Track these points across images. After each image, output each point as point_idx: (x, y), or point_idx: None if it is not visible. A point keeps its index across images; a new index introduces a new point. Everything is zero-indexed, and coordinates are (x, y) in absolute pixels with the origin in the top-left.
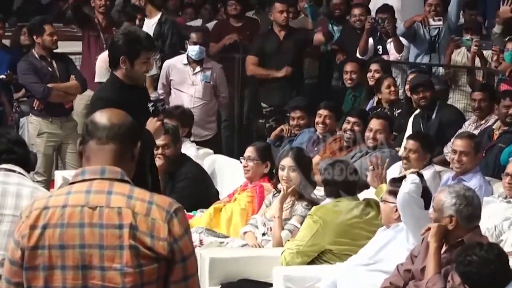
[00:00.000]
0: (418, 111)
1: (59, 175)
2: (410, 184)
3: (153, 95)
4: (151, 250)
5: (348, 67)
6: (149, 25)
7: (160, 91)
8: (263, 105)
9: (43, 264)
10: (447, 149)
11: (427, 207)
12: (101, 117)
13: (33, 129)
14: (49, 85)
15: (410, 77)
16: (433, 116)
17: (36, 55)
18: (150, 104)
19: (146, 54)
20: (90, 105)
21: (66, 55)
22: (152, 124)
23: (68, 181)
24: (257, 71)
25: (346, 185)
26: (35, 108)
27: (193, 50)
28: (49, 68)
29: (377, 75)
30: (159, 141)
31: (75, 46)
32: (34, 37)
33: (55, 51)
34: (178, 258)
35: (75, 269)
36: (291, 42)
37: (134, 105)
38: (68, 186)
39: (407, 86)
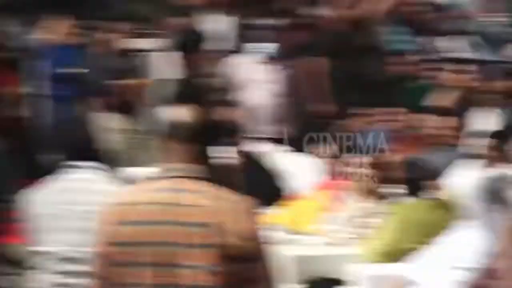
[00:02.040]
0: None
1: (134, 172)
2: (479, 179)
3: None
4: (235, 250)
5: (403, 59)
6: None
7: None
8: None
9: (131, 261)
10: None
11: None
12: (179, 115)
13: (109, 124)
14: (124, 81)
15: None
16: None
17: (111, 52)
18: (226, 95)
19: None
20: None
21: (145, 52)
22: (230, 115)
23: (144, 178)
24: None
25: (426, 184)
26: (110, 104)
27: (265, 48)
28: (122, 65)
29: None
30: None
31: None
32: (104, 34)
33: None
34: (257, 256)
35: (163, 266)
36: (358, 37)
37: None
38: (152, 183)
39: None
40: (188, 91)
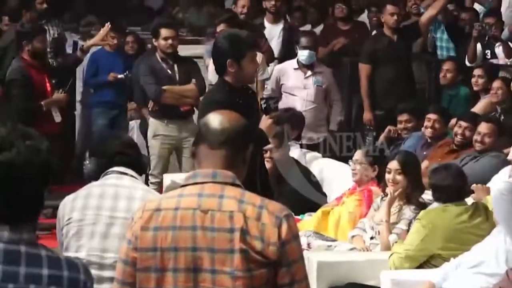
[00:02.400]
0: None
1: (167, 178)
2: (502, 182)
3: (265, 93)
4: (261, 255)
5: (445, 65)
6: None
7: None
8: (377, 112)
9: (155, 266)
10: None
11: None
12: (214, 120)
13: (149, 131)
14: (164, 87)
15: None
16: None
17: (158, 57)
18: (262, 102)
19: (251, 52)
20: (201, 108)
21: (191, 59)
22: (264, 122)
23: (176, 184)
24: (365, 90)
25: (454, 190)
26: (150, 109)
27: (303, 54)
28: (168, 71)
29: (480, 80)
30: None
31: (195, 49)
32: (153, 40)
33: (181, 54)
34: (285, 262)
35: (187, 271)
36: (404, 42)
37: (243, 108)
38: (180, 189)
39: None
40: (222, 98)
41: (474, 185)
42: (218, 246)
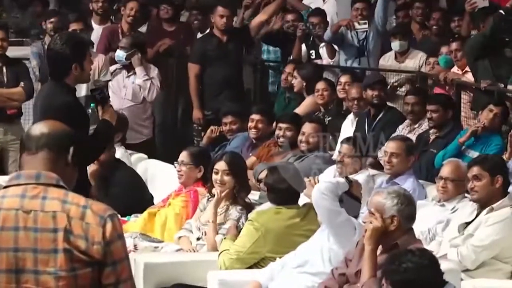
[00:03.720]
0: (351, 114)
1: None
2: (323, 182)
3: (93, 86)
4: (85, 254)
5: (287, 68)
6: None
7: None
8: (205, 112)
9: None
10: (380, 153)
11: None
12: (34, 128)
13: None
14: None
15: (342, 78)
16: (379, 117)
17: None
18: (96, 93)
19: (90, 52)
20: (47, 111)
21: (20, 61)
22: (108, 111)
23: (1, 187)
24: (193, 90)
25: (290, 193)
26: None
27: (118, 55)
28: None
29: (295, 81)
30: None
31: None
32: None
33: (10, 56)
34: (110, 261)
35: (9, 272)
36: (234, 44)
37: (81, 107)
38: (2, 190)
39: (339, 87)
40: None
41: (305, 178)
42: (41, 246)
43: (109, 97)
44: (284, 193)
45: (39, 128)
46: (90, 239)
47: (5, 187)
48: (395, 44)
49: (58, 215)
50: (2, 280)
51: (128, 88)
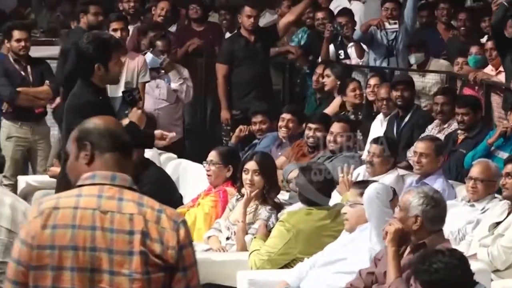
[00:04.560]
0: (380, 114)
1: (22, 180)
2: (378, 183)
3: (128, 86)
4: (159, 258)
5: (318, 69)
6: None
7: None
8: (234, 112)
9: (52, 264)
10: (410, 153)
11: None
12: (100, 125)
13: (2, 132)
14: (18, 88)
15: (371, 80)
16: (407, 118)
17: (11, 59)
18: (126, 95)
19: (117, 54)
20: (72, 110)
21: (43, 60)
22: (134, 114)
23: (31, 187)
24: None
25: (321, 194)
26: (4, 111)
27: (148, 57)
28: (22, 72)
29: (328, 80)
30: None
31: (49, 51)
32: (6, 41)
33: (33, 56)
34: (181, 266)
35: (84, 271)
36: (261, 44)
37: (106, 107)
38: (77, 189)
39: (368, 89)
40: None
41: (340, 175)
42: (117, 247)
43: (140, 100)
44: (316, 194)
45: (111, 128)
46: (165, 243)
47: (79, 185)
48: (411, 58)
49: (135, 217)
50: (78, 279)
51: (162, 88)
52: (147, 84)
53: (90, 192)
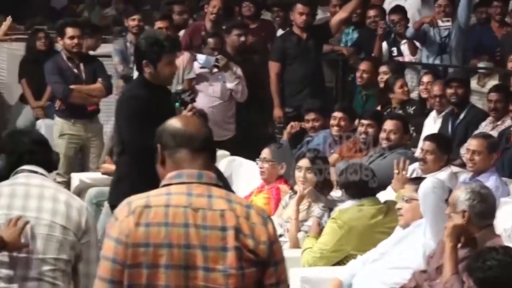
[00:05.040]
0: (433, 111)
1: (76, 178)
2: (433, 178)
3: (179, 87)
4: (253, 253)
5: (362, 66)
6: None
7: None
8: (287, 109)
9: (147, 262)
10: (463, 150)
11: None
12: (187, 126)
13: (55, 130)
14: (71, 86)
15: (424, 77)
16: (462, 115)
17: (64, 56)
18: (177, 97)
19: (168, 56)
20: (120, 103)
21: (96, 58)
22: (184, 115)
23: (85, 184)
24: (274, 88)
25: (364, 185)
26: (57, 108)
27: (200, 58)
28: (74, 70)
29: (386, 77)
30: None
31: (104, 48)
32: (59, 39)
33: (93, 53)
34: (272, 261)
35: (179, 268)
36: (313, 42)
37: (161, 104)
38: (164, 188)
39: (421, 87)
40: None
41: (395, 171)
42: (210, 244)
43: (192, 102)
44: (359, 185)
45: (199, 128)
46: (256, 238)
47: (166, 185)
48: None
49: (226, 213)
50: (173, 276)
51: (216, 85)
52: (201, 83)
53: (179, 191)
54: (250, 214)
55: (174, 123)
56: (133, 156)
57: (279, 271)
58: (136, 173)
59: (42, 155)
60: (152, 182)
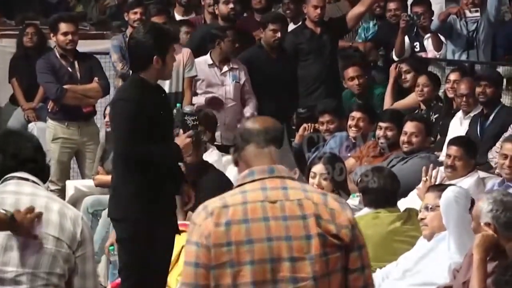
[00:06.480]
0: (459, 112)
1: (71, 185)
2: (457, 187)
3: (187, 109)
4: (336, 238)
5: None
6: None
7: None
8: (299, 110)
9: (230, 261)
10: (491, 154)
11: None
12: (254, 124)
13: (48, 133)
14: (65, 86)
15: (452, 75)
16: (492, 117)
17: (57, 54)
18: (186, 117)
19: (173, 47)
20: (112, 107)
21: (91, 55)
22: (181, 139)
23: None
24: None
25: (386, 194)
26: (50, 110)
27: None
28: (68, 68)
29: (408, 76)
30: None
31: (99, 45)
32: (51, 35)
33: (81, 50)
34: (356, 245)
35: (263, 262)
36: (328, 37)
37: (158, 105)
38: (239, 187)
39: (447, 85)
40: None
41: (423, 178)
42: (293, 233)
43: (192, 128)
44: (380, 194)
45: (261, 123)
46: (338, 223)
47: (239, 185)
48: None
49: (304, 202)
50: (259, 271)
51: (228, 86)
52: (211, 83)
53: (253, 187)
54: (327, 201)
55: (245, 123)
56: (128, 164)
57: (363, 255)
58: (133, 183)
59: (39, 164)
60: (150, 191)
